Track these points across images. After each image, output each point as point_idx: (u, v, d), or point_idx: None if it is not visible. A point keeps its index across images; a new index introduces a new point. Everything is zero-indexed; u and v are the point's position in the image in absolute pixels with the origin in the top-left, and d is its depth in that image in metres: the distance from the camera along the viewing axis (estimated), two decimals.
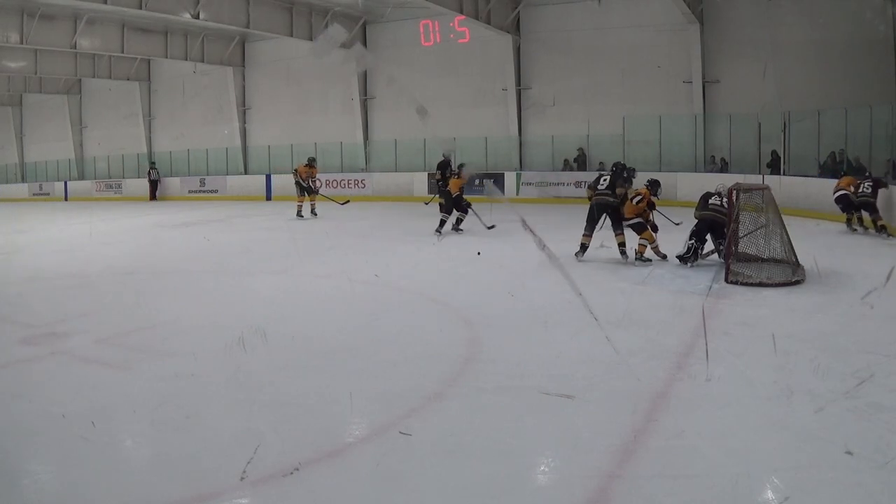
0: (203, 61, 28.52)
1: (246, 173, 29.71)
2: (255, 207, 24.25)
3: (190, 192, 29.57)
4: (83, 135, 36.20)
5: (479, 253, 11.66)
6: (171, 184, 30.53)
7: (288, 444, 4.56)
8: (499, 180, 22.82)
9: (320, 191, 19.76)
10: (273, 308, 8.81)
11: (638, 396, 5.16)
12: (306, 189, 19.22)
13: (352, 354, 6.60)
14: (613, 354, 6.04)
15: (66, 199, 34.08)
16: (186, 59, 28.09)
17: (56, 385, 6.19)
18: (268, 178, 28.04)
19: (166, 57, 27.90)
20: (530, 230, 14.35)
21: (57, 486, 4.27)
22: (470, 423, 4.84)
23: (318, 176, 19.56)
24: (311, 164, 19.49)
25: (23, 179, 37.79)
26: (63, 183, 35.19)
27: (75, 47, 25.21)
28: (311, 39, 24.32)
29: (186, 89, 31.30)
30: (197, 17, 21.78)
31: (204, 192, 29.06)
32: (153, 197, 29.99)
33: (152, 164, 29.63)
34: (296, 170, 19.54)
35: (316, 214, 19.27)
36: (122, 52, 26.60)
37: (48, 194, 34.87)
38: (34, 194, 35.22)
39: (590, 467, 4.12)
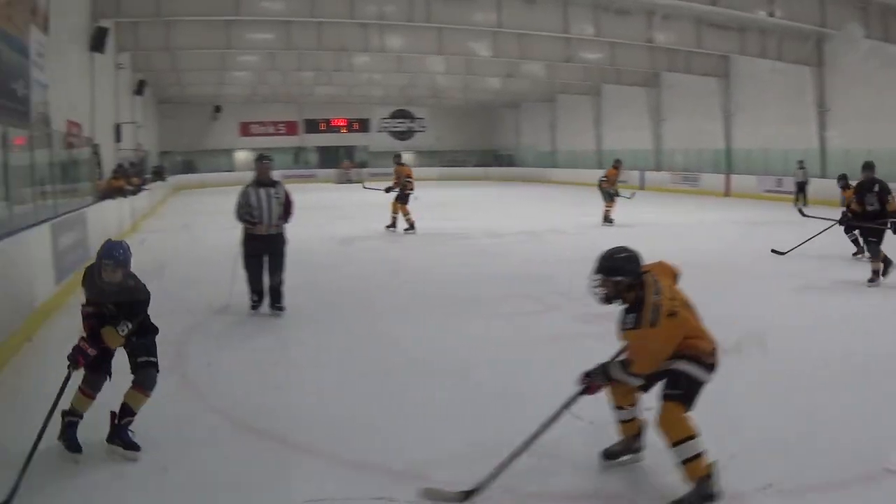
0: (779, 60, 27.61)
1: (824, 177, 27.98)
2: (833, 212, 22.78)
3: (765, 191, 28.81)
4: (661, 127, 37.39)
5: None
6: (746, 182, 30.13)
7: (766, 461, 4.57)
8: None
9: None
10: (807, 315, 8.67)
11: None
12: (613, 195, 18.82)
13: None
14: None
15: (641, 188, 35.54)
16: (763, 57, 27.51)
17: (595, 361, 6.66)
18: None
19: (742, 54, 27.65)
20: None
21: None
22: None
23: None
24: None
25: (600, 166, 40.23)
26: (639, 172, 36.78)
27: (651, 41, 26.11)
28: (886, 41, 22.19)
29: (763, 87, 30.55)
30: (772, 14, 21.23)
31: (779, 192, 27.92)
32: (799, 199, 25.43)
33: (800, 164, 26.68)
34: (605, 176, 19.21)
35: None
36: (699, 47, 26.93)
37: (624, 182, 36.45)
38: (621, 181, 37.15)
39: None
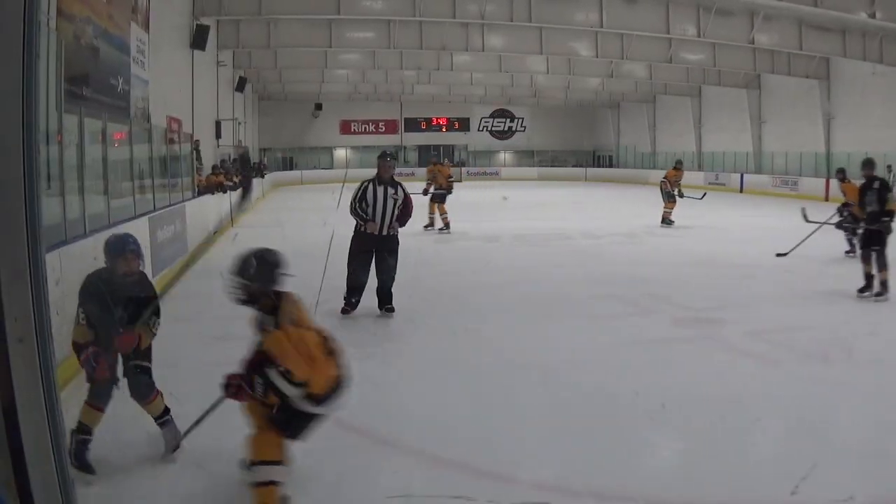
0: (881, 62, 26.62)
1: None
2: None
3: None
4: (762, 129, 36.55)
5: None
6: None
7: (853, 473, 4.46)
8: None
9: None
10: None
11: None
12: (674, 195, 18.37)
13: None
14: None
15: (741, 190, 34.73)
16: (864, 59, 26.65)
17: (695, 367, 6.65)
18: None
19: (844, 56, 26.88)
20: None
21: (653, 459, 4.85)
22: None
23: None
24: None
25: (699, 168, 39.46)
26: (739, 175, 35.93)
27: (752, 42, 25.51)
28: None
29: (864, 90, 29.50)
30: (872, 16, 20.36)
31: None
32: None
33: (889, 168, 26.42)
34: (665, 177, 18.77)
35: None
36: (800, 49, 26.29)
37: (723, 185, 35.88)
38: (709, 183, 36.57)
39: None
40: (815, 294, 10.02)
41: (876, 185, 9.78)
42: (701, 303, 9.32)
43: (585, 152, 52.35)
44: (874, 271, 9.55)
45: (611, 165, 49.80)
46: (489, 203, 25.54)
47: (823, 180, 30.54)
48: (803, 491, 4.15)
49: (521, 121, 52.81)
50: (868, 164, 10.11)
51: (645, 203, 25.94)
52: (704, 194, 20.28)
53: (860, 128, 29.87)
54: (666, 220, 18.59)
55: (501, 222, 18.92)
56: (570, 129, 52.70)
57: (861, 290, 9.60)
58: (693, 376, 6.34)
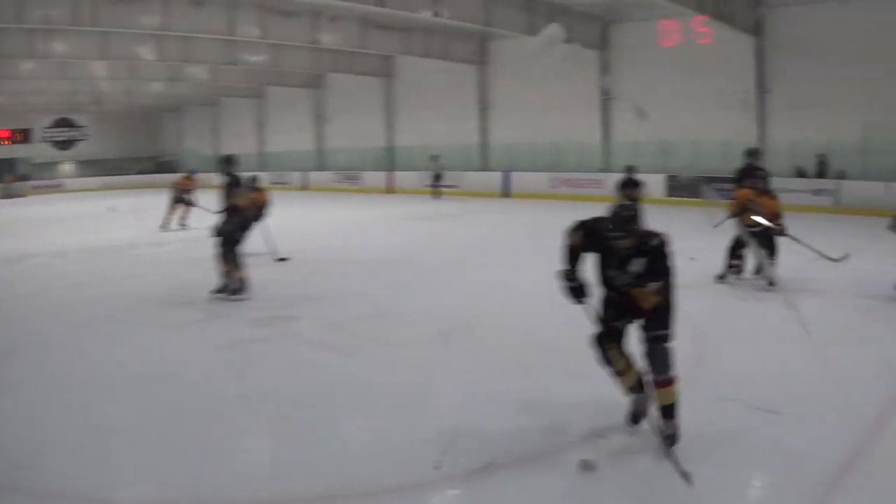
0: (444, 59, 28.69)
1: (484, 170, 29.83)
2: (492, 204, 24.61)
3: (426, 185, 29.85)
4: (325, 127, 37.75)
5: (692, 258, 10.23)
6: (409, 178, 31.18)
7: (486, 441, 4.79)
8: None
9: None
10: (490, 303, 9.14)
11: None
12: (180, 202, 19.31)
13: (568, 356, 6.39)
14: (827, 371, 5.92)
15: (305, 188, 35.80)
16: (427, 57, 28.40)
17: (278, 365, 6.83)
18: (506, 175, 28.03)
19: (407, 54, 28.40)
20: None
21: (262, 462, 4.90)
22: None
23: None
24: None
25: (262, 168, 39.89)
26: (302, 173, 37.05)
27: (316, 43, 26.03)
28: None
29: (428, 86, 31.61)
30: (437, 15, 21.89)
31: (441, 186, 28.98)
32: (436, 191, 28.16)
33: (435, 157, 28.45)
34: (175, 183, 19.84)
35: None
36: (364, 48, 27.19)
37: (286, 184, 36.40)
38: (273, 183, 37.04)
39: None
40: (373, 282, 10.91)
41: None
42: (272, 302, 9.48)
43: (150, 158, 50.50)
44: (230, 270, 9.67)
45: (175, 171, 48.31)
46: (63, 217, 23.99)
47: (384, 174, 32.70)
48: (446, 464, 4.42)
49: (83, 129, 49.59)
50: (227, 161, 10.31)
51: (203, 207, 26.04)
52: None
53: (422, 122, 32.04)
54: (167, 225, 18.88)
55: (67, 237, 17.85)
56: (134, 136, 50.40)
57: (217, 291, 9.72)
58: (279, 375, 6.46)
